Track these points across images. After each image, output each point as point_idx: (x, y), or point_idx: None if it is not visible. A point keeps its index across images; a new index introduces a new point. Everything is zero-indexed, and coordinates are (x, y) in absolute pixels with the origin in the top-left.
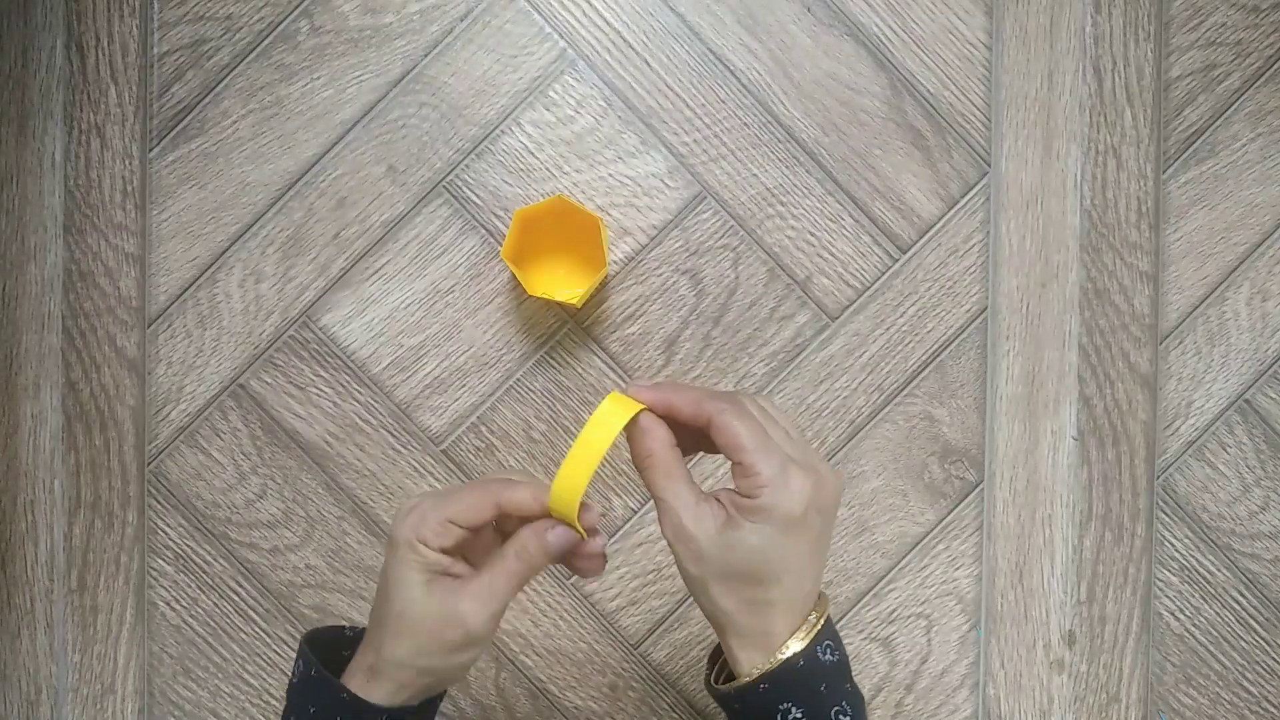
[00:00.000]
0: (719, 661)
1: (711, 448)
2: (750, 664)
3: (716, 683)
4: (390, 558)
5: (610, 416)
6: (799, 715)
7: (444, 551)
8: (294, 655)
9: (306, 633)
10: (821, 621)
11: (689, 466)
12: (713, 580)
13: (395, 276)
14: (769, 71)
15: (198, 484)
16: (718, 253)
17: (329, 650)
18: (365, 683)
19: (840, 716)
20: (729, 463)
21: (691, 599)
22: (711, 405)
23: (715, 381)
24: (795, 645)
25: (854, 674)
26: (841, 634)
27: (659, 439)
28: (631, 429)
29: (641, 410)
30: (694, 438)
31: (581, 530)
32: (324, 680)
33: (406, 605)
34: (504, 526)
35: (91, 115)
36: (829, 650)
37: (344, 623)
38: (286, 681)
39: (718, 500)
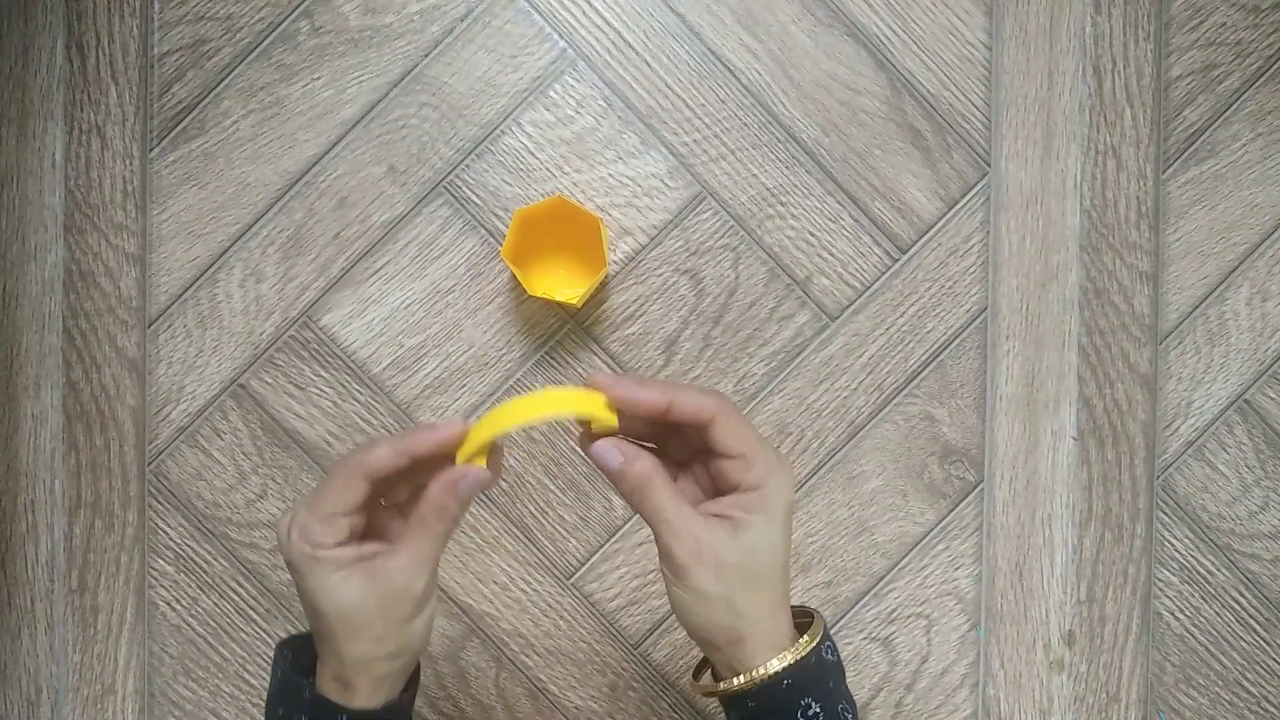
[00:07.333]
0: (709, 668)
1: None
2: (773, 660)
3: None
4: (298, 579)
5: (577, 398)
6: (818, 711)
7: (342, 544)
8: None
9: (281, 640)
10: (823, 622)
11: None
12: (739, 591)
13: (395, 276)
14: (769, 72)
15: (198, 484)
16: (718, 253)
17: (310, 655)
18: (342, 690)
19: (845, 714)
20: (680, 470)
21: None
22: (713, 403)
23: (715, 382)
24: (809, 641)
25: (854, 673)
26: (842, 634)
27: (651, 462)
28: (623, 464)
29: (614, 428)
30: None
31: (486, 466)
32: (289, 682)
33: (342, 608)
34: (392, 498)
35: (92, 115)
36: (829, 651)
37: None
38: None
39: (711, 512)
